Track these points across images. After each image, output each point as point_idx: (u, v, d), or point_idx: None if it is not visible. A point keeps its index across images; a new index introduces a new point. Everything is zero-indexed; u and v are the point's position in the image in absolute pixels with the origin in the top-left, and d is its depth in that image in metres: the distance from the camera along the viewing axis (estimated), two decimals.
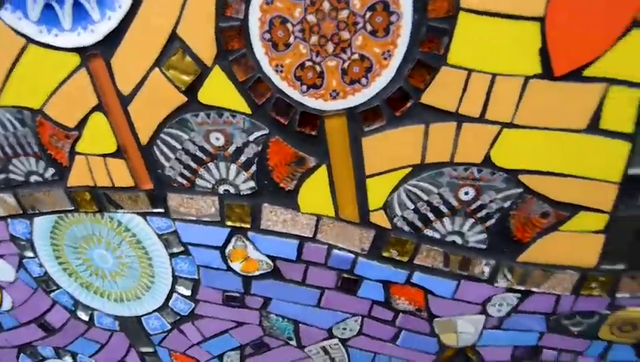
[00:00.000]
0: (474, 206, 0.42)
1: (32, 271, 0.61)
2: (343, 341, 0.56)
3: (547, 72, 0.35)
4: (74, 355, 0.72)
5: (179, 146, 0.45)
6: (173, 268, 0.54)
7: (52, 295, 0.63)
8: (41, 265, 0.60)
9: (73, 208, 0.52)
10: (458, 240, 0.45)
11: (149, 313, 0.59)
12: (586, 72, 0.35)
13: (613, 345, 0.51)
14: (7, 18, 0.40)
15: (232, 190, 0.46)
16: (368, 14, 0.35)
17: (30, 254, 0.59)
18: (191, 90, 0.41)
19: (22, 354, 0.76)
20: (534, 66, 0.35)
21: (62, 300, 0.64)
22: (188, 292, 0.55)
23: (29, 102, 0.45)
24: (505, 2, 0.33)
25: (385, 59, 0.36)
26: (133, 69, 0.41)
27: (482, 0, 0.33)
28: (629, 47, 0.34)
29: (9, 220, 0.57)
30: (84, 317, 0.64)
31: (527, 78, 0.35)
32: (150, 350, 0.65)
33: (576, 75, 0.35)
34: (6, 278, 0.64)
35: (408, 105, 0.38)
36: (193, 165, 0.45)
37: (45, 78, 0.43)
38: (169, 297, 0.57)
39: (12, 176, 0.52)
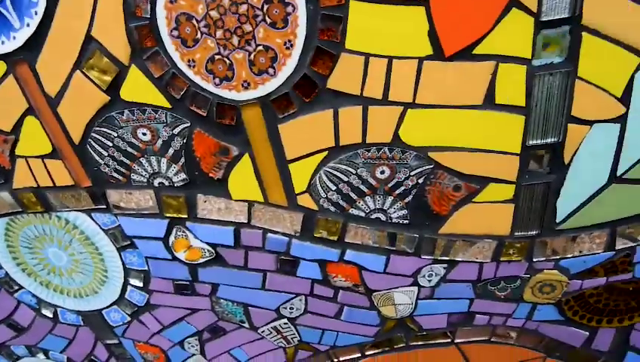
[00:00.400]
0: (391, 184, 0.45)
1: None
2: (292, 320, 0.59)
3: (438, 53, 0.37)
4: (46, 352, 0.74)
5: (110, 144, 0.46)
6: (123, 262, 0.56)
7: (16, 295, 0.65)
8: (0, 267, 0.62)
9: (21, 210, 0.54)
10: (382, 217, 0.47)
11: (108, 306, 0.62)
12: (475, 51, 0.37)
13: (538, 306, 0.55)
14: None
15: (166, 182, 0.48)
16: (266, 7, 0.36)
17: None
18: (113, 89, 0.42)
19: None
20: (425, 48, 0.37)
21: (26, 299, 0.66)
22: (140, 284, 0.57)
23: None
24: None
25: (287, 48, 0.38)
26: (57, 71, 0.43)
27: None
28: (511, 26, 0.36)
29: None
30: (49, 314, 0.66)
31: (420, 60, 0.38)
32: (115, 341, 0.68)
33: (465, 54, 0.37)
34: None
35: (316, 91, 0.40)
36: (126, 161, 0.47)
37: None
38: (124, 290, 0.59)
39: None
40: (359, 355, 0.63)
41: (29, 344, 0.74)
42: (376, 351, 0.62)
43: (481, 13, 0.35)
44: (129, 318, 0.63)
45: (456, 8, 0.35)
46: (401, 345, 0.61)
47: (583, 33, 0.36)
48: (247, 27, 0.37)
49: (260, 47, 0.38)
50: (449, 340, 0.59)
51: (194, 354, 0.67)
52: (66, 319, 0.66)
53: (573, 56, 0.37)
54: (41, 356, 0.76)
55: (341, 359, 0.63)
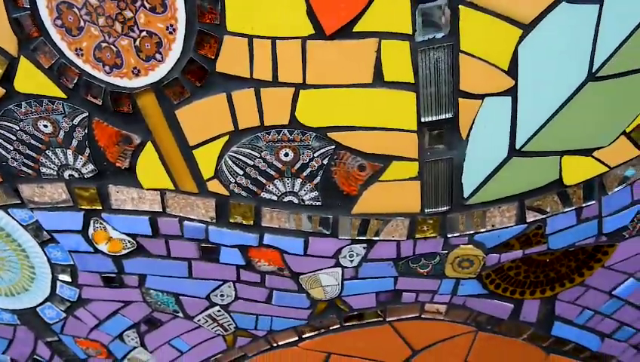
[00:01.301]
0: (297, 166, 0.45)
1: None
2: (225, 307, 0.59)
3: (319, 32, 0.37)
4: None
5: (13, 138, 0.46)
6: (48, 257, 0.56)
7: None
8: None
9: None
10: (294, 199, 0.48)
11: (41, 303, 0.61)
12: (356, 28, 0.37)
13: (461, 281, 0.56)
14: None
15: (76, 174, 0.48)
16: None
17: None
18: (6, 82, 0.42)
19: None
20: (307, 27, 0.37)
21: None
22: (69, 279, 0.57)
23: None
24: None
25: (170, 33, 0.38)
26: None
27: None
28: (387, 1, 0.37)
29: None
30: None
31: (304, 39, 0.38)
32: (55, 339, 0.67)
33: (347, 32, 0.37)
34: None
35: (206, 75, 0.40)
36: (32, 154, 0.47)
37: None
38: (54, 285, 0.59)
39: None
40: (297, 338, 0.64)
41: None
42: (313, 333, 0.63)
43: None
44: (64, 314, 0.62)
45: None
46: (336, 327, 0.62)
47: (460, 7, 0.37)
48: (128, 13, 0.37)
49: (144, 33, 0.38)
50: (381, 319, 0.61)
51: (135, 347, 0.67)
52: (2, 319, 0.66)
53: (454, 31, 0.38)
54: None
55: (280, 343, 0.64)
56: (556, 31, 0.39)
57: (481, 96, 0.41)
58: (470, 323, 0.62)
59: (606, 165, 0.48)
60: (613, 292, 0.62)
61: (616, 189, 0.50)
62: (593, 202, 0.50)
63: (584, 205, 0.50)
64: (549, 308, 0.62)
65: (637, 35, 0.39)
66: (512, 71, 0.40)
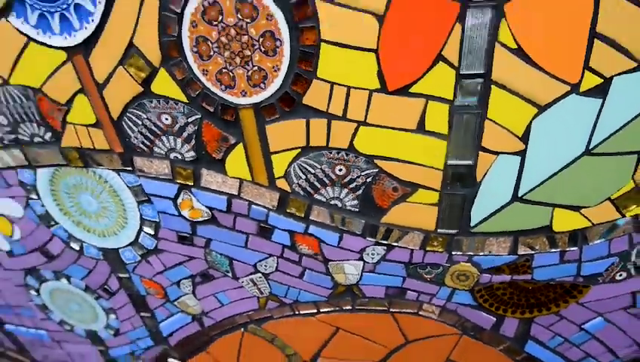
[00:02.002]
0: (346, 179, 0.58)
1: (35, 210, 0.79)
2: (266, 275, 0.74)
3: (384, 88, 0.49)
4: (68, 278, 0.91)
5: (140, 123, 0.60)
6: (140, 213, 0.71)
7: (51, 229, 0.82)
8: (42, 205, 0.78)
9: (66, 163, 0.69)
10: (338, 203, 0.61)
11: (124, 246, 0.78)
12: (411, 90, 0.49)
13: (456, 291, 0.68)
14: (14, 22, 0.55)
15: (179, 156, 0.62)
16: (261, 40, 0.49)
17: (34, 196, 0.77)
18: (146, 83, 0.56)
19: (28, 275, 0.96)
20: (374, 83, 0.49)
21: (59, 233, 0.82)
22: (152, 232, 0.73)
23: (32, 83, 0.61)
24: (351, 36, 0.47)
25: (275, 71, 0.51)
26: (105, 65, 0.56)
27: (335, 35, 0.47)
28: (438, 74, 0.48)
29: (18, 170, 0.74)
30: (76, 247, 0.82)
31: (371, 91, 0.50)
32: (126, 276, 0.84)
33: (403, 91, 0.49)
34: (16, 214, 0.83)
35: (294, 104, 0.52)
36: (151, 137, 0.61)
37: (42, 66, 0.58)
38: (138, 235, 0.75)
39: (20, 136, 0.69)
40: (315, 311, 0.78)
41: (56, 269, 0.91)
42: (328, 309, 0.77)
43: (416, 63, 0.47)
44: (139, 258, 0.78)
45: (397, 58, 0.47)
46: (348, 308, 0.76)
47: (492, 86, 0.48)
48: (247, 52, 0.50)
49: (255, 68, 0.51)
50: (385, 308, 0.74)
51: (187, 293, 0.83)
52: (89, 253, 0.82)
53: (484, 102, 0.49)
54: (64, 281, 0.94)
55: (301, 312, 0.79)
56: (564, 114, 0.49)
57: (497, 153, 0.53)
58: (458, 326, 0.75)
59: (590, 221, 0.58)
60: (583, 326, 0.73)
61: (596, 242, 0.60)
62: (575, 248, 0.61)
63: (567, 249, 0.61)
64: (525, 328, 0.74)
65: (629, 127, 0.50)
66: (525, 138, 0.51)
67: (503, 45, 0.46)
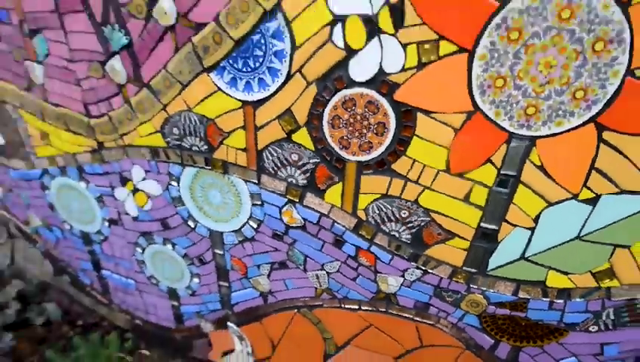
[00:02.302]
0: (407, 220, 0.83)
1: (171, 192, 1.09)
2: (328, 273, 1.00)
3: (448, 170, 0.75)
4: (174, 245, 1.20)
5: (275, 155, 0.88)
6: (251, 212, 0.98)
7: (177, 208, 1.11)
8: (178, 191, 1.07)
9: (210, 168, 0.98)
10: (397, 234, 0.86)
11: (229, 231, 1.05)
12: (465, 175, 0.74)
13: (467, 314, 0.91)
14: (213, 77, 0.85)
15: (294, 181, 0.89)
16: (375, 126, 0.75)
17: (175, 184, 1.06)
18: (289, 133, 0.84)
19: (142, 236, 1.26)
20: (442, 166, 0.75)
21: (182, 213, 1.11)
22: (255, 226, 1.00)
23: (208, 114, 0.90)
24: (434, 136, 0.72)
25: (379, 145, 0.77)
26: (265, 117, 0.85)
27: (424, 133, 0.72)
28: (484, 170, 0.73)
29: (170, 164, 1.04)
30: (192, 225, 1.11)
31: (438, 170, 0.75)
32: (221, 253, 1.12)
33: (461, 175, 0.74)
34: (154, 193, 1.12)
35: (385, 167, 0.78)
36: (279, 165, 0.89)
37: (220, 107, 0.87)
38: (243, 226, 1.02)
39: (183, 144, 0.98)
40: (357, 307, 1.03)
41: (167, 237, 1.20)
42: (368, 308, 1.01)
43: (472, 161, 0.72)
44: (237, 242, 1.06)
45: (461, 155, 0.72)
46: (383, 310, 1.00)
47: (520, 184, 0.72)
48: (364, 131, 0.77)
49: (366, 141, 0.77)
50: (411, 317, 0.98)
51: (262, 274, 1.10)
52: (200, 231, 1.11)
53: (512, 191, 0.73)
54: (169, 246, 1.23)
55: (346, 306, 1.04)
56: (566, 210, 0.73)
57: (515, 225, 0.77)
58: (463, 342, 0.98)
59: (575, 284, 0.81)
60: (560, 361, 0.94)
61: (577, 299, 0.83)
62: (561, 301, 0.84)
63: (555, 301, 0.84)
64: (515, 354, 0.96)
65: (609, 228, 0.73)
66: (536, 220, 0.75)
67: (531, 161, 0.70)
